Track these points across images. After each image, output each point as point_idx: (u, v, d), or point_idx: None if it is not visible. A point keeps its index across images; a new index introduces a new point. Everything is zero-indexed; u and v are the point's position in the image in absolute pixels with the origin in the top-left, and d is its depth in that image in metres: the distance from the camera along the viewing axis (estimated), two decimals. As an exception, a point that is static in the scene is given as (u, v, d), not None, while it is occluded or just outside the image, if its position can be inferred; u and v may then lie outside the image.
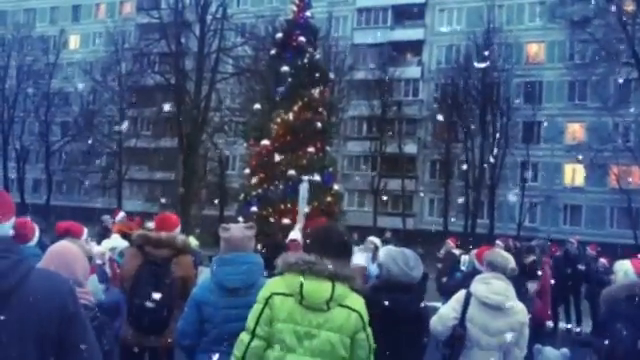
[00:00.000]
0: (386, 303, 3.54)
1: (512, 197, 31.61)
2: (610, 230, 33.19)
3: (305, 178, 9.26)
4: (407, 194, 37.78)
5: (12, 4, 50.27)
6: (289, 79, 11.26)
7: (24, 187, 42.83)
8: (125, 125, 35.15)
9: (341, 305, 2.80)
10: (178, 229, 4.83)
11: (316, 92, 11.50)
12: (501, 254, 4.57)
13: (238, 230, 3.59)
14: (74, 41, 48.25)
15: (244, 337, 2.85)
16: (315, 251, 2.89)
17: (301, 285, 2.78)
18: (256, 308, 2.85)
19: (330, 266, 2.82)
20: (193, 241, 8.30)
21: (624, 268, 4.60)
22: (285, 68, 11.17)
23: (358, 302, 2.87)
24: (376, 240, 9.55)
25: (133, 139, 39.90)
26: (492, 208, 33.86)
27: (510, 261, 4.42)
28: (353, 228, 15.53)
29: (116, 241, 6.78)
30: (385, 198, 34.60)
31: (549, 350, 4.63)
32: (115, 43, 39.52)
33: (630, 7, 28.50)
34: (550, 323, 9.66)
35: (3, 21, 48.86)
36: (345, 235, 3.16)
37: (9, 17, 49.10)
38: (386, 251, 3.85)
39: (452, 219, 34.44)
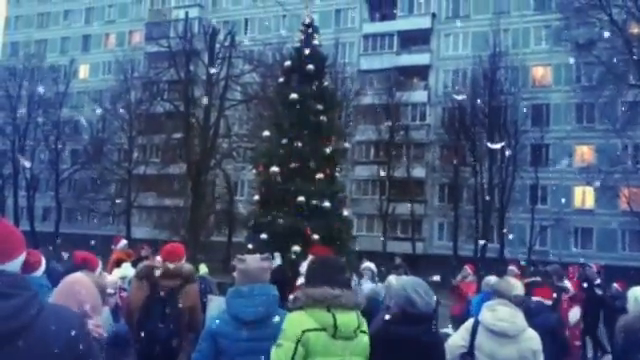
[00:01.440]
0: (405, 334, 3.46)
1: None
2: (622, 253, 32.83)
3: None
4: (416, 218, 37.64)
5: (23, 35, 51.27)
6: (297, 106, 11.29)
7: (34, 215, 43.04)
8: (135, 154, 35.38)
9: (362, 331, 3.13)
10: (184, 259, 4.83)
11: (325, 118, 11.50)
12: (507, 282, 4.55)
13: (254, 261, 3.56)
14: (84, 70, 48.99)
15: None
16: (326, 283, 3.06)
17: (334, 319, 2.98)
18: (288, 346, 2.93)
19: (352, 297, 3.10)
20: (203, 268, 8.23)
21: (635, 295, 4.57)
22: (294, 95, 11.23)
23: (366, 324, 3.22)
24: (371, 265, 9.49)
25: (142, 166, 40.17)
26: (502, 232, 33.62)
27: (515, 287, 4.41)
28: (362, 253, 15.40)
29: (126, 270, 6.76)
30: (398, 223, 34.41)
31: None
32: (124, 72, 40.10)
33: (636, 29, 28.61)
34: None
35: (15, 52, 49.81)
36: (344, 264, 3.47)
37: (20, 48, 50.00)
38: (404, 282, 3.72)
39: (461, 243, 34.26)
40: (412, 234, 37.11)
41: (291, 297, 3.27)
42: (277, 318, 3.33)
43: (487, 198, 33.61)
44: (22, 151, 43.63)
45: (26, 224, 41.72)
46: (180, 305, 4.42)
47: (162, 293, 4.47)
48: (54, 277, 4.69)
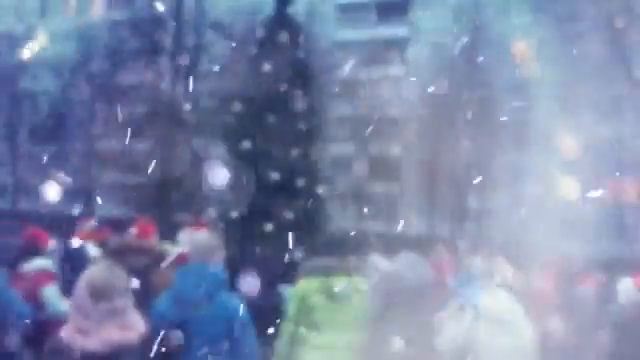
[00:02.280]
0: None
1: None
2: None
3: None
4: (392, 197, 37.09)
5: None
6: (270, 79, 10.34)
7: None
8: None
9: (357, 291, 4.00)
10: (156, 237, 5.09)
11: (300, 92, 10.56)
12: (497, 261, 4.98)
13: (202, 238, 3.78)
14: (42, 39, 46.63)
15: (288, 326, 3.95)
16: (328, 253, 4.04)
17: (329, 284, 3.88)
18: (294, 304, 3.97)
19: (346, 265, 3.98)
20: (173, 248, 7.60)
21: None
22: (267, 67, 10.20)
23: (365, 286, 4.12)
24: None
25: (105, 141, 38.59)
26: (480, 212, 33.36)
27: (503, 270, 4.78)
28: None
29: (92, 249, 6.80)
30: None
31: None
32: (85, 41, 38.26)
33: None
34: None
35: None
36: (349, 237, 4.70)
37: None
38: (400, 260, 4.39)
39: (438, 223, 33.90)
40: (387, 213, 36.53)
41: (300, 266, 4.24)
42: (218, 300, 3.44)
43: (465, 177, 33.26)
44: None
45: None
46: (153, 283, 4.44)
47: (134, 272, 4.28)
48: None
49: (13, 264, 4.82)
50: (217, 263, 3.55)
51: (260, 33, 11.76)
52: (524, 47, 36.66)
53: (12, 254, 5.03)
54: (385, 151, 36.42)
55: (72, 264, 5.23)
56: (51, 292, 4.64)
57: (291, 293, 4.12)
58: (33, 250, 4.97)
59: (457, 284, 6.41)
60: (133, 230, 4.98)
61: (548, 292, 7.95)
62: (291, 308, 3.99)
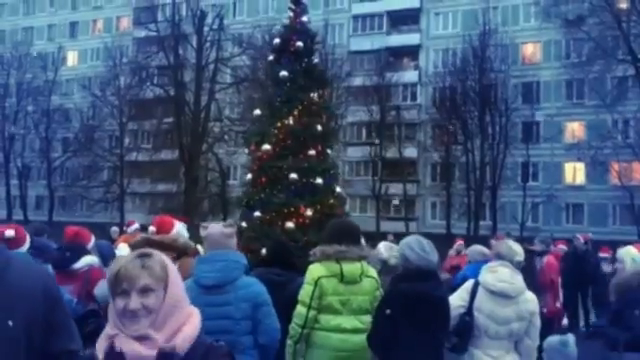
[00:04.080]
0: (410, 291, 3.67)
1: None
2: (613, 227, 33.14)
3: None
4: (409, 198, 37.81)
5: (10, 23, 50.58)
6: (288, 84, 11.30)
7: (27, 204, 42.89)
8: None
9: (366, 276, 4.05)
10: (175, 230, 4.71)
11: (315, 96, 11.53)
12: (507, 244, 4.59)
13: (216, 228, 3.60)
14: (72, 57, 48.47)
15: (301, 310, 3.94)
16: (339, 241, 4.02)
17: (341, 268, 3.95)
18: (308, 288, 3.95)
19: (355, 251, 4.01)
20: (200, 249, 8.22)
21: (631, 255, 4.60)
22: (284, 73, 11.21)
23: (374, 272, 4.20)
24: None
25: (134, 152, 40.01)
26: (494, 209, 33.83)
27: (517, 252, 4.44)
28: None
29: (124, 250, 6.58)
30: (394, 202, 34.39)
31: (551, 338, 4.58)
32: (113, 58, 39.69)
33: (624, 4, 28.64)
34: (565, 321, 9.42)
35: (2, 40, 49.18)
36: (355, 225, 4.47)
37: (7, 36, 49.42)
38: (402, 242, 3.97)
39: (455, 222, 34.47)
40: (405, 214, 37.28)
41: (311, 252, 4.15)
42: (240, 283, 3.41)
43: (479, 176, 33.87)
44: (12, 140, 43.39)
45: (19, 213, 41.57)
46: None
47: None
48: (47, 254, 4.88)
49: (61, 264, 4.69)
50: (232, 249, 3.57)
51: (277, 42, 12.00)
52: (533, 49, 37.51)
53: (58, 255, 4.86)
54: (402, 153, 37.01)
55: (103, 260, 5.10)
56: (105, 288, 4.28)
57: (304, 278, 4.08)
58: (79, 248, 4.86)
59: (466, 271, 6.77)
60: (151, 227, 4.72)
61: (555, 270, 8.55)
62: (304, 292, 3.98)
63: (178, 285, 1.86)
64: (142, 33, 37.28)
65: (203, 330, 1.84)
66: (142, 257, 1.85)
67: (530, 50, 37.56)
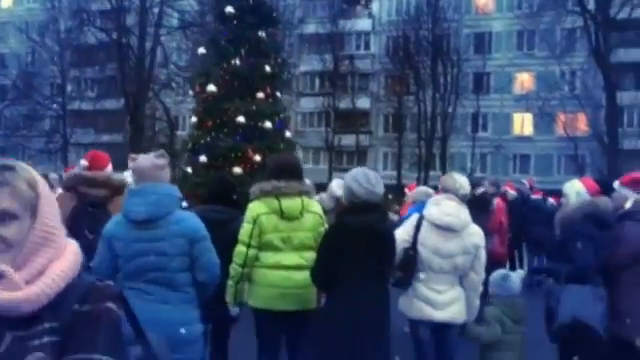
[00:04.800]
0: (355, 224, 3.49)
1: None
2: (558, 177, 34.10)
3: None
4: (361, 149, 37.88)
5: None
6: (234, 21, 10.77)
7: (-37, 155, 40.92)
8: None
9: (308, 211, 3.91)
10: (110, 167, 4.53)
11: (263, 34, 11.03)
12: (452, 177, 4.50)
13: (146, 159, 3.30)
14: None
15: (241, 249, 3.83)
16: (278, 177, 3.87)
17: (280, 204, 3.83)
18: (247, 227, 3.83)
19: (295, 186, 3.87)
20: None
21: (575, 188, 4.50)
22: (229, 9, 10.66)
23: (317, 207, 4.09)
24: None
25: (77, 101, 38.39)
26: (444, 159, 34.30)
27: (462, 185, 4.33)
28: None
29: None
30: (343, 155, 34.29)
31: (511, 273, 4.53)
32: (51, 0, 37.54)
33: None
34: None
35: None
36: (296, 160, 4.46)
37: None
38: (347, 175, 3.73)
39: (405, 172, 34.83)
40: (357, 165, 37.32)
41: (250, 190, 3.99)
42: (174, 218, 3.16)
43: (430, 127, 34.12)
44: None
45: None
46: (111, 215, 4.12)
47: (91, 204, 4.24)
48: None
49: None
50: (165, 182, 3.29)
51: None
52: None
53: None
54: (355, 104, 36.86)
55: None
56: None
57: (244, 215, 3.92)
58: None
59: (410, 212, 7.03)
60: (83, 162, 4.46)
61: (504, 213, 8.33)
62: (243, 231, 3.83)
63: (52, 211, 1.36)
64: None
65: (82, 266, 1.38)
66: (1, 170, 1.32)
67: (482, 0, 37.47)
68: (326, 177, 34.69)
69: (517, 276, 4.47)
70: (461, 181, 4.38)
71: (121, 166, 5.01)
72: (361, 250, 3.45)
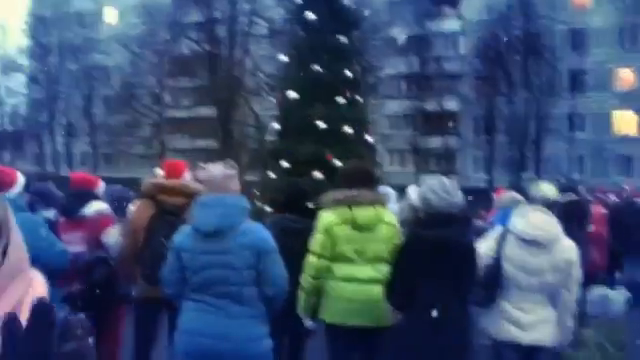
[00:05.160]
0: (432, 238, 3.31)
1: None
2: (665, 179, 31.75)
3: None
4: (450, 152, 37.07)
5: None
6: (315, 27, 10.77)
7: (72, 161, 44.00)
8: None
9: (382, 222, 3.75)
10: (187, 175, 4.55)
11: (345, 39, 10.96)
12: (536, 185, 4.24)
13: (217, 169, 3.29)
14: (112, 15, 48.63)
15: (312, 260, 3.71)
16: (350, 185, 3.76)
17: (353, 214, 3.69)
18: (318, 237, 3.70)
19: (368, 195, 3.73)
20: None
21: None
22: (311, 15, 10.67)
23: (392, 217, 3.92)
24: (387, 189, 8.91)
25: (173, 109, 40.27)
26: (538, 162, 32.85)
27: (547, 192, 4.09)
28: (395, 188, 15.09)
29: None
30: (431, 158, 33.79)
31: (614, 293, 4.20)
32: (150, 14, 39.61)
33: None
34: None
35: (43, 1, 49.58)
36: (369, 168, 4.30)
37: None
38: (423, 184, 3.54)
39: (497, 176, 33.73)
40: (446, 167, 36.54)
41: (321, 199, 3.89)
42: (242, 229, 3.11)
43: (522, 128, 32.84)
44: (56, 99, 44.22)
45: (65, 170, 42.74)
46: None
47: (168, 212, 4.26)
48: (50, 199, 4.90)
49: (69, 211, 4.60)
50: (234, 192, 3.26)
51: None
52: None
53: (65, 201, 4.75)
54: (442, 106, 36.18)
55: (115, 206, 5.03)
56: (114, 235, 4.39)
57: (315, 225, 3.77)
58: (86, 193, 4.65)
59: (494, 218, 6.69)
60: (160, 171, 4.55)
61: (604, 221, 7.83)
62: (314, 241, 3.72)
63: (20, 238, 1.25)
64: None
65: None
66: None
67: (579, -5, 35.60)
68: (413, 180, 34.15)
69: (620, 295, 4.15)
70: (544, 188, 4.24)
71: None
72: (439, 267, 3.27)
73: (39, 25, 43.91)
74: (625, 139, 33.36)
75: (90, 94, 43.76)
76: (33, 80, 46.12)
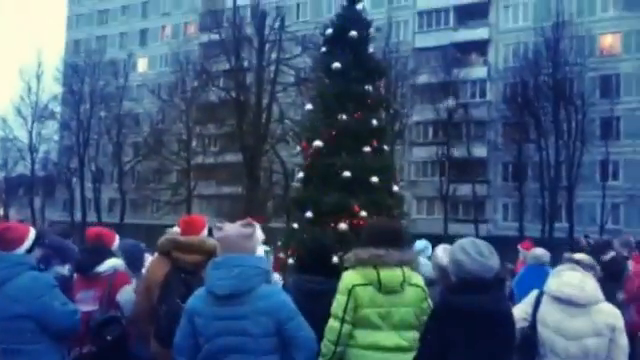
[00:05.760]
0: (465, 305, 3.03)
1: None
2: None
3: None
4: (479, 199, 36.39)
5: (85, 32, 52.86)
6: (340, 76, 10.65)
7: (100, 207, 44.44)
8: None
9: (409, 284, 3.49)
10: (205, 232, 4.38)
11: (370, 88, 10.82)
12: (571, 255, 4.15)
13: (233, 228, 3.14)
14: (142, 64, 50.05)
15: (334, 324, 3.43)
16: (377, 244, 3.48)
17: (378, 275, 3.42)
18: (341, 299, 3.44)
19: (396, 255, 3.46)
20: (266, 248, 7.87)
21: None
22: (336, 64, 10.56)
23: (419, 279, 3.60)
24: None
25: (201, 155, 40.66)
26: (570, 210, 31.98)
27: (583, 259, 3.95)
28: (423, 236, 14.68)
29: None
30: (459, 205, 33.30)
31: None
32: (180, 63, 40.59)
33: None
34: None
35: (77, 49, 51.41)
36: (398, 226, 3.97)
37: (82, 45, 51.61)
38: (455, 244, 3.29)
39: (528, 224, 32.91)
40: (475, 216, 35.84)
41: (345, 257, 3.61)
42: (259, 293, 2.95)
43: (553, 175, 32.17)
44: (86, 145, 45.11)
45: (93, 215, 43.16)
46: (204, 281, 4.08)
47: (183, 270, 4.10)
48: (66, 255, 4.78)
49: (84, 267, 4.51)
50: (251, 253, 3.13)
51: (329, 32, 11.03)
52: (611, 40, 35.25)
53: (80, 257, 4.68)
54: (470, 152, 35.76)
55: (129, 262, 4.91)
56: (129, 294, 4.28)
57: (337, 286, 3.52)
58: (103, 250, 4.58)
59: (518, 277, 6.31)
60: (176, 228, 4.40)
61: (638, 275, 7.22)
62: (336, 303, 3.45)
63: None
64: (207, 37, 37.83)
65: None
66: None
67: (609, 41, 35.30)
68: (441, 227, 33.62)
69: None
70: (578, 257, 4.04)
71: (239, 216, 4.88)
72: (473, 337, 2.98)
73: (72, 73, 45.20)
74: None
75: (119, 140, 44.48)
76: (65, 127, 47.17)
